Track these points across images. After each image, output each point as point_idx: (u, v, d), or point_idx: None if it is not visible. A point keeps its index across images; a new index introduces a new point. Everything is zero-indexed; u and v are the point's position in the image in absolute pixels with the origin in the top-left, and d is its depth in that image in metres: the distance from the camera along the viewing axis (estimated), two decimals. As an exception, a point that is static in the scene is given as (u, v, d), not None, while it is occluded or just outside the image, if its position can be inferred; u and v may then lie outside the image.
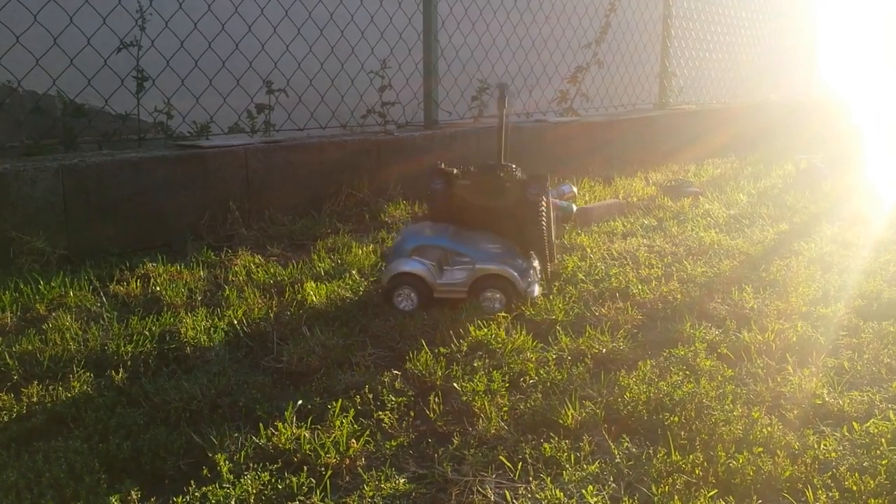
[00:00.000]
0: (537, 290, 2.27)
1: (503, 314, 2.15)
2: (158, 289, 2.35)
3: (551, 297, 2.30)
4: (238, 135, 3.57)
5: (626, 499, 1.32)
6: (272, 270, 2.55)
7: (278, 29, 3.76)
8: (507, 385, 1.74)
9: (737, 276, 2.54)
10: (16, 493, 1.31)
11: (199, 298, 2.31)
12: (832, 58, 8.53)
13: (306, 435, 1.49)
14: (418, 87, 4.17)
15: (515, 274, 2.21)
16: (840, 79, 8.69)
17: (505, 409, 1.63)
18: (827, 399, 1.66)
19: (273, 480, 1.36)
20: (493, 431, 1.54)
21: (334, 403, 1.63)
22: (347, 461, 1.44)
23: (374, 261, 2.69)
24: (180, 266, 2.58)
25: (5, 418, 1.58)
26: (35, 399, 1.63)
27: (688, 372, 1.79)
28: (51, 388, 1.69)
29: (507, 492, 1.34)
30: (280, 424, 1.53)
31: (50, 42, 2.99)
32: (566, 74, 5.35)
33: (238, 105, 3.63)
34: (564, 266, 2.61)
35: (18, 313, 2.16)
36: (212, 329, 2.04)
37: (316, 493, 1.34)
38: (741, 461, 1.39)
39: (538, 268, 2.36)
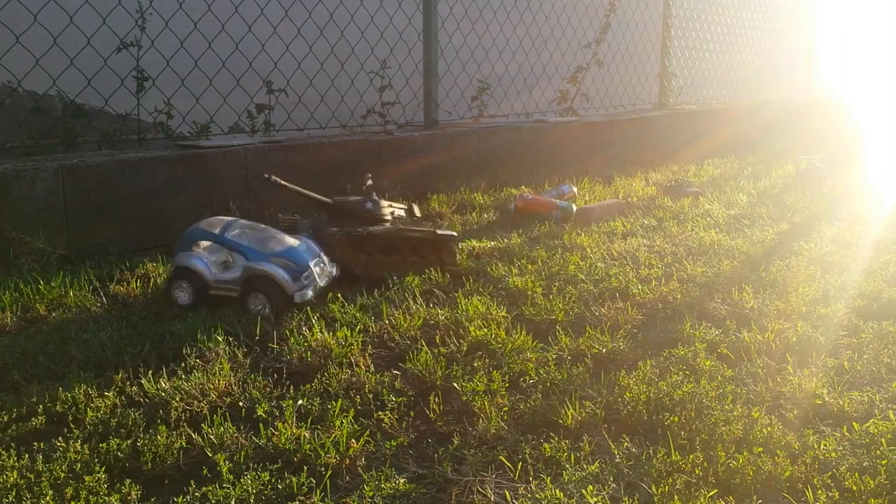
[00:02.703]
0: (310, 294, 2.17)
1: (503, 314, 2.15)
2: (158, 289, 2.35)
3: (551, 297, 2.30)
4: (238, 135, 3.57)
5: (626, 499, 1.32)
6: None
7: (278, 29, 3.76)
8: (507, 385, 1.74)
9: (737, 276, 2.54)
10: (16, 493, 1.31)
11: (199, 298, 2.31)
12: (832, 58, 8.53)
13: (306, 435, 1.49)
14: (418, 87, 4.17)
15: (284, 275, 2.13)
16: (840, 79, 8.69)
17: (505, 409, 1.63)
18: (827, 399, 1.66)
19: (273, 480, 1.36)
20: (493, 431, 1.54)
21: (334, 403, 1.63)
22: (347, 461, 1.44)
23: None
24: (180, 266, 2.58)
25: (5, 418, 1.58)
26: (35, 399, 1.63)
27: (688, 372, 1.79)
28: (51, 388, 1.69)
29: (507, 492, 1.34)
30: (280, 424, 1.53)
31: (50, 42, 2.99)
32: (566, 74, 5.35)
33: (238, 105, 3.63)
34: (565, 266, 2.61)
35: (18, 313, 2.16)
36: (212, 329, 2.04)
37: (316, 493, 1.34)
38: (741, 461, 1.39)
39: (333, 272, 2.32)
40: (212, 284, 2.18)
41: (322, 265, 2.28)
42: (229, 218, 2.30)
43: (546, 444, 1.48)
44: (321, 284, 2.24)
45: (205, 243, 2.25)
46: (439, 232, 2.59)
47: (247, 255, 2.18)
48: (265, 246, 2.20)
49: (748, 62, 7.46)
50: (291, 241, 2.26)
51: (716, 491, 1.33)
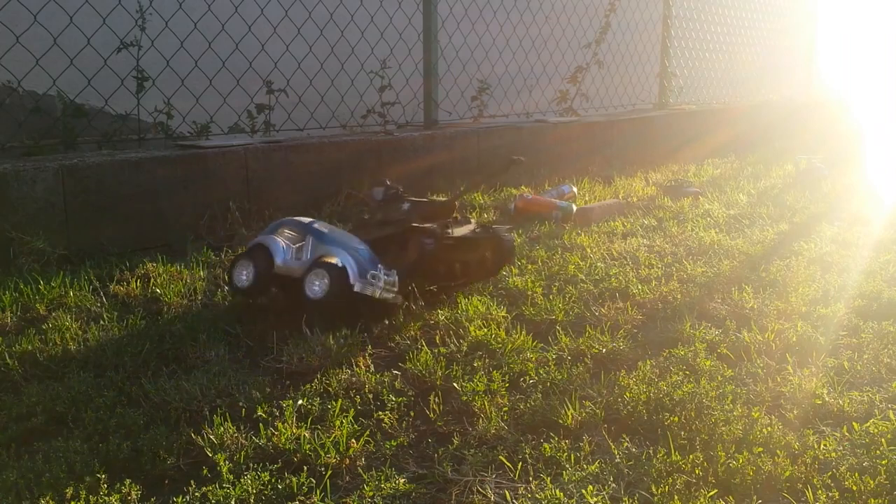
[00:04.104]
0: (369, 291, 2.08)
1: (503, 314, 2.15)
2: (158, 289, 2.35)
3: (551, 297, 2.30)
4: (238, 135, 3.57)
5: (626, 499, 1.32)
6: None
7: (278, 29, 3.76)
8: (507, 385, 1.74)
9: (737, 276, 2.54)
10: (16, 493, 1.31)
11: (200, 298, 2.31)
12: (832, 58, 8.54)
13: (306, 435, 1.49)
14: (418, 87, 4.17)
15: (353, 263, 2.08)
16: (840, 79, 8.69)
17: (505, 409, 1.63)
18: (827, 399, 1.66)
19: (273, 480, 1.36)
20: (493, 431, 1.54)
21: (334, 403, 1.63)
22: (347, 461, 1.44)
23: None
24: (180, 266, 2.58)
25: (5, 418, 1.58)
26: (35, 399, 1.63)
27: (688, 372, 1.79)
28: (51, 388, 1.69)
29: (507, 492, 1.34)
30: (280, 424, 1.53)
31: (50, 42, 2.99)
32: (566, 74, 5.35)
33: (238, 105, 3.63)
34: (565, 266, 2.61)
35: (18, 313, 2.16)
36: (212, 329, 2.04)
37: (316, 493, 1.34)
38: (741, 461, 1.39)
39: (392, 284, 2.14)
40: (278, 266, 2.15)
41: (386, 278, 2.14)
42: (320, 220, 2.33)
43: (546, 444, 1.48)
44: (377, 294, 2.12)
45: (289, 232, 2.25)
46: None
47: (323, 241, 2.17)
48: (343, 239, 2.19)
49: (748, 62, 7.47)
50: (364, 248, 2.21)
51: (716, 491, 1.33)
